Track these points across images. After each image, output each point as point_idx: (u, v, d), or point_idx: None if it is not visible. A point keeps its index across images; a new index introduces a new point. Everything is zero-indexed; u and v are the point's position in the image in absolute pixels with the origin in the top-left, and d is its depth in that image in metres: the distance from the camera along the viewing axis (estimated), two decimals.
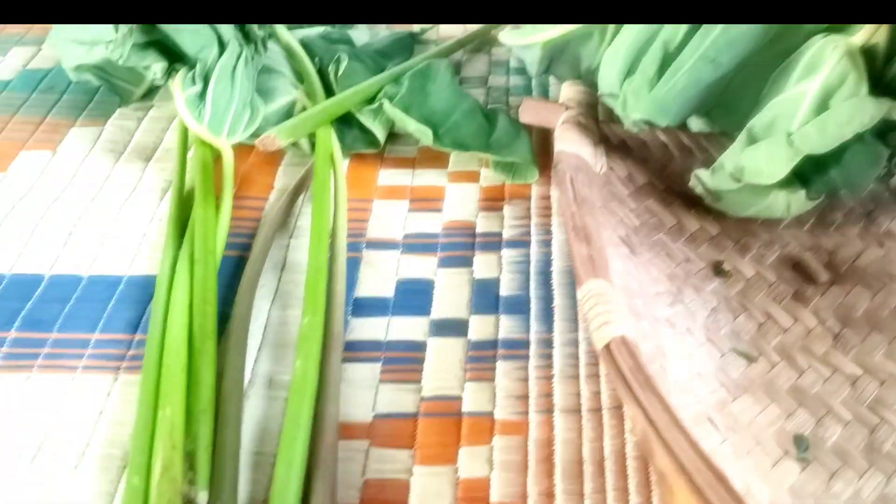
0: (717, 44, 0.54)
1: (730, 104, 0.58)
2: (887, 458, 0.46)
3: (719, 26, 0.54)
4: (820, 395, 0.50)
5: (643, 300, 0.50)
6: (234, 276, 0.56)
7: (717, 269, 0.57)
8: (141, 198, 0.63)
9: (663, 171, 0.64)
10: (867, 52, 0.52)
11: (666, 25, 0.56)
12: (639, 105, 0.57)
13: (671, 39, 0.56)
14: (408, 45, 0.77)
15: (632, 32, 0.58)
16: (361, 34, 0.79)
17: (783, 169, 0.51)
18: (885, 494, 0.45)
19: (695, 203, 0.61)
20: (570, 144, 0.59)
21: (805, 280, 0.57)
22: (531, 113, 0.65)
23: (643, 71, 0.57)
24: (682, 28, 0.55)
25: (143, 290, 0.55)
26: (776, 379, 0.50)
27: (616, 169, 0.62)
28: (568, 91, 0.66)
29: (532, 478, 0.45)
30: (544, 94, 0.74)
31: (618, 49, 0.58)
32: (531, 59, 0.66)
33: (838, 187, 0.55)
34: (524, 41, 0.65)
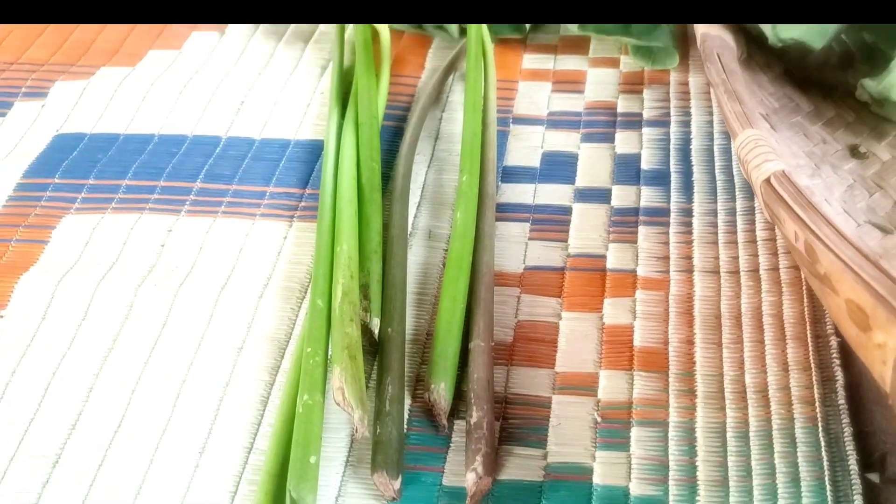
0: None
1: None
2: None
3: None
4: None
5: (785, 167, 0.52)
6: (392, 143, 0.59)
7: (854, 151, 0.57)
8: (303, 73, 0.66)
9: (801, 62, 0.64)
10: None
11: None
12: (789, 27, 0.56)
13: None
14: None
15: None
16: None
17: None
18: None
19: (831, 92, 0.61)
20: (714, 28, 0.59)
21: None
22: None
23: None
24: None
25: (311, 152, 0.59)
26: None
27: (755, 56, 0.63)
28: None
29: (672, 327, 0.47)
30: None
31: None
32: None
33: None
34: None
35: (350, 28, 0.67)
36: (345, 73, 0.64)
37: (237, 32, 0.71)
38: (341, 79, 0.62)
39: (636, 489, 0.40)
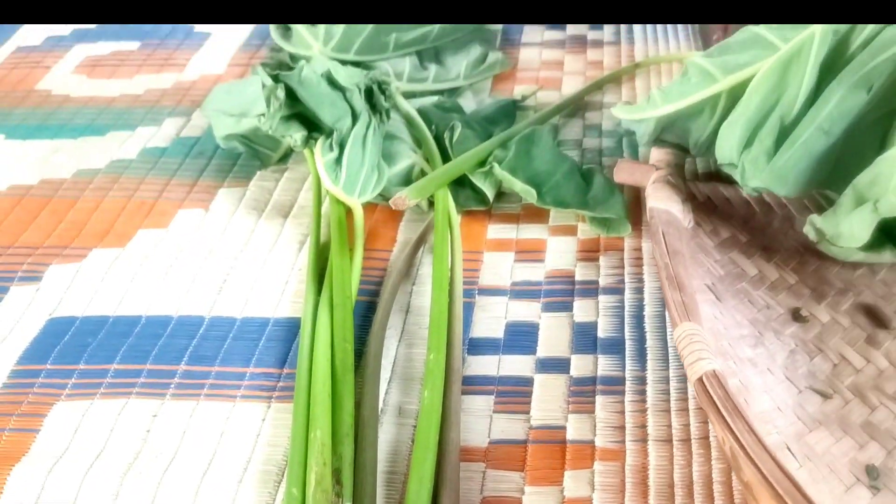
0: (831, 115, 0.58)
1: (845, 170, 0.59)
2: None
3: (835, 98, 0.57)
4: (890, 429, 0.53)
5: (728, 342, 0.55)
6: (365, 318, 0.62)
7: (796, 315, 0.61)
8: (282, 249, 0.70)
9: (746, 225, 0.68)
10: None
11: (782, 100, 0.60)
12: (757, 175, 0.60)
13: (787, 113, 0.59)
14: (511, 112, 0.84)
15: (749, 107, 0.61)
16: (469, 102, 0.86)
17: (865, 233, 0.54)
18: None
19: (774, 254, 0.65)
20: (661, 202, 0.64)
21: (877, 325, 0.60)
22: (625, 173, 0.70)
23: (760, 142, 0.60)
24: (799, 102, 0.59)
25: (289, 330, 0.62)
26: (849, 414, 0.54)
27: (702, 224, 0.67)
28: (657, 153, 0.71)
29: (629, 498, 0.50)
30: (633, 154, 0.79)
31: (735, 122, 0.62)
32: (642, 132, 0.70)
33: None
34: (637, 116, 0.70)
35: (326, 202, 0.71)
36: (321, 249, 0.68)
37: (221, 209, 0.75)
38: (317, 255, 0.66)
39: None
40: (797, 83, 0.60)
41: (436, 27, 0.94)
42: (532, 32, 1.03)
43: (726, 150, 0.63)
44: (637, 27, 1.02)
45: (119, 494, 0.50)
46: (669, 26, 1.01)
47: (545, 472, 0.52)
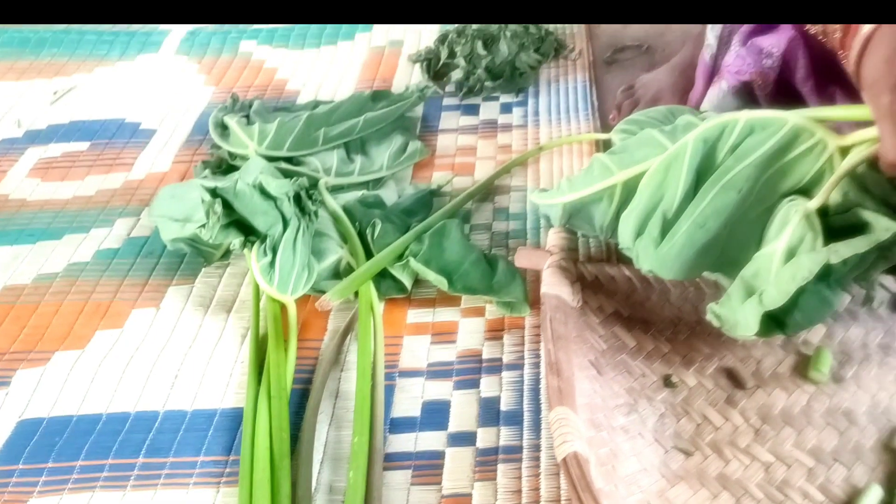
0: (705, 212, 0.65)
1: (732, 259, 0.67)
2: None
3: (708, 197, 0.65)
4: (740, 479, 0.63)
5: (604, 413, 0.65)
6: (300, 404, 0.71)
7: (667, 381, 0.71)
8: (226, 343, 0.79)
9: (628, 300, 0.79)
10: (821, 211, 0.62)
11: (665, 196, 0.67)
12: (647, 260, 0.69)
13: (669, 209, 0.67)
14: (428, 202, 0.94)
15: (640, 201, 0.69)
16: (391, 192, 0.96)
17: (755, 323, 0.62)
18: None
19: (651, 326, 0.76)
20: (552, 287, 0.74)
21: (736, 386, 0.71)
22: (524, 258, 0.81)
23: (649, 233, 0.68)
24: (677, 199, 0.67)
25: (234, 419, 0.71)
26: (707, 468, 0.64)
27: (589, 302, 0.77)
28: (552, 238, 0.81)
29: None
30: (535, 235, 0.90)
31: (630, 213, 0.70)
32: (555, 215, 0.78)
33: (802, 325, 0.64)
34: (548, 202, 0.78)
35: (264, 298, 0.80)
36: (260, 342, 0.77)
37: (171, 306, 0.84)
38: (257, 349, 0.76)
39: None
40: (676, 183, 0.68)
41: (361, 120, 1.04)
42: (449, 119, 1.13)
43: (625, 237, 0.71)
44: (542, 111, 1.13)
45: None
46: (571, 110, 1.12)
47: None
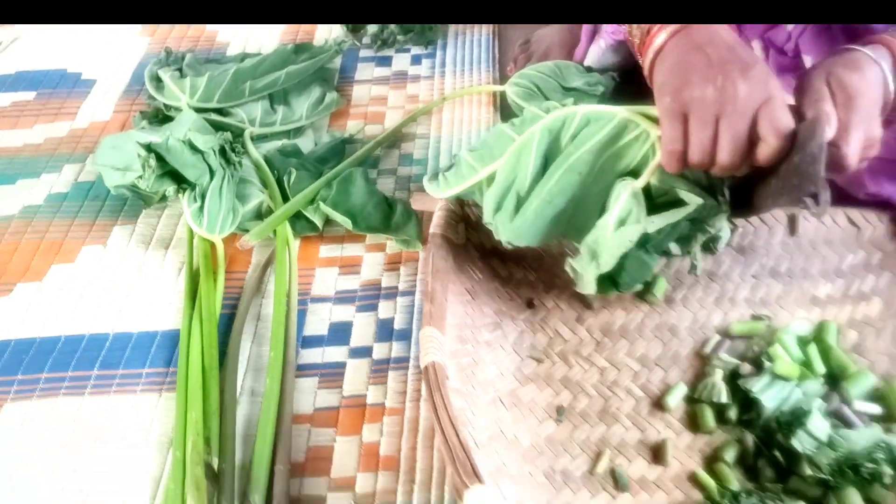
0: (552, 191, 0.75)
1: (580, 227, 0.78)
2: (612, 417, 0.77)
3: (554, 178, 0.76)
4: (579, 381, 0.80)
5: (472, 330, 0.81)
6: (228, 325, 0.86)
7: (529, 304, 0.87)
8: (166, 275, 0.93)
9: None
10: (647, 190, 0.74)
11: (518, 178, 0.78)
12: (504, 232, 0.80)
13: (521, 188, 0.78)
14: (341, 149, 1.08)
15: (498, 183, 0.79)
16: (308, 140, 1.09)
17: (593, 283, 0.77)
18: (606, 437, 0.75)
19: (522, 259, 0.91)
20: (438, 227, 0.88)
21: (585, 307, 0.87)
22: (419, 202, 0.96)
23: (505, 209, 0.79)
24: (528, 180, 0.77)
25: (172, 339, 0.86)
26: (554, 373, 0.80)
27: (472, 239, 0.92)
28: None
29: (405, 440, 0.76)
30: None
31: (490, 194, 0.81)
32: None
33: (630, 285, 0.78)
34: (437, 194, 0.86)
35: (197, 237, 0.94)
36: (194, 274, 0.91)
37: (117, 244, 0.97)
38: (191, 280, 0.90)
39: None
40: (526, 167, 0.78)
41: (283, 73, 1.17)
42: (364, 70, 1.26)
43: (486, 213, 0.82)
44: (448, 63, 1.26)
45: (58, 466, 0.74)
46: (475, 62, 1.26)
47: (351, 426, 0.77)
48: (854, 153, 0.66)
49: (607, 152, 0.76)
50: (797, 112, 0.69)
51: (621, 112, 0.75)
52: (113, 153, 1.01)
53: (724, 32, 0.71)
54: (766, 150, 0.66)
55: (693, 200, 0.74)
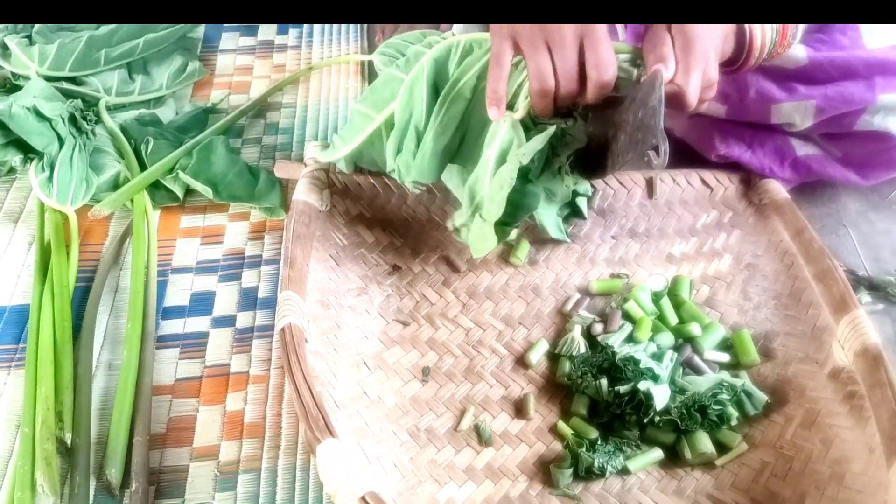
0: (443, 120, 0.78)
1: (468, 157, 0.80)
2: (477, 375, 0.79)
3: (444, 107, 0.77)
4: (445, 342, 0.81)
5: (335, 296, 0.81)
6: (83, 299, 0.83)
7: (395, 269, 0.88)
8: (14, 250, 0.89)
9: (371, 204, 0.94)
10: (527, 121, 0.76)
11: (413, 114, 0.78)
12: (409, 172, 0.81)
13: (419, 122, 0.79)
14: (202, 119, 1.05)
15: (397, 125, 0.80)
16: (169, 110, 1.07)
17: (492, 237, 0.76)
18: (470, 395, 0.77)
19: (389, 225, 0.92)
20: (301, 194, 0.88)
21: (453, 270, 0.89)
22: (283, 170, 0.95)
23: (406, 147, 0.80)
24: (423, 114, 0.78)
25: (21, 314, 0.82)
26: (420, 335, 0.81)
27: (337, 206, 0.92)
28: (310, 151, 0.95)
29: (269, 407, 0.75)
30: (300, 147, 1.03)
31: (390, 138, 0.81)
32: (340, 166, 0.89)
33: (523, 216, 0.81)
34: (329, 158, 0.88)
35: (48, 211, 0.91)
36: (45, 248, 0.87)
37: None
38: (42, 254, 0.86)
39: None
40: (420, 99, 0.79)
41: (141, 41, 1.13)
42: (228, 40, 1.24)
43: (388, 160, 0.82)
44: (316, 32, 1.25)
45: None
46: (343, 32, 1.25)
47: (213, 395, 0.76)
48: (693, 92, 0.70)
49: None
50: (641, 57, 0.72)
51: None
52: None
53: None
54: (592, 86, 0.70)
55: (554, 121, 0.76)
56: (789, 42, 0.79)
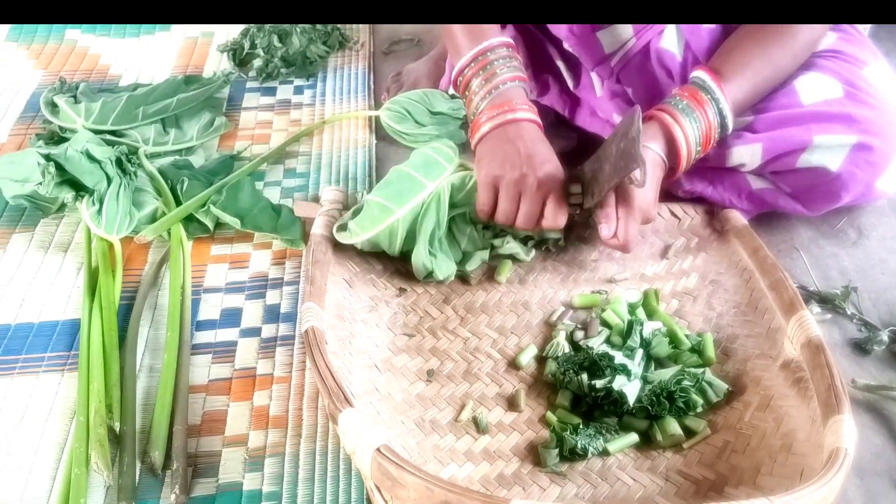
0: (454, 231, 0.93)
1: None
2: (474, 376, 0.86)
3: (456, 221, 0.92)
4: (446, 349, 0.89)
5: (350, 311, 0.89)
6: (127, 315, 0.92)
7: (401, 291, 0.96)
8: (65, 274, 0.98)
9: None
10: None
11: (439, 222, 0.93)
12: (442, 271, 0.94)
13: (440, 229, 0.95)
14: (229, 164, 1.15)
15: (423, 230, 0.93)
16: (199, 157, 1.17)
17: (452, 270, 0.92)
18: (469, 392, 0.85)
19: (394, 257, 1.00)
20: (319, 228, 0.96)
21: (451, 291, 0.97)
22: (301, 209, 1.04)
23: (436, 249, 0.95)
24: (444, 223, 0.94)
25: (72, 327, 0.91)
26: (423, 344, 0.89)
27: None
28: (327, 192, 1.04)
29: (291, 402, 0.83)
30: (316, 188, 1.13)
31: (419, 243, 0.93)
32: (360, 245, 0.95)
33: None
34: (347, 242, 0.94)
35: (95, 240, 1.00)
36: (93, 272, 0.96)
37: (15, 250, 1.01)
38: (90, 276, 0.95)
39: (266, 489, 0.74)
40: (443, 213, 0.94)
41: (175, 100, 1.24)
42: (250, 99, 1.34)
43: (423, 261, 0.93)
44: (328, 92, 1.36)
45: None
46: (352, 92, 1.36)
47: (242, 393, 0.84)
48: (632, 241, 0.88)
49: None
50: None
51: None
52: (11, 167, 1.05)
53: (532, 130, 0.91)
54: (546, 225, 0.90)
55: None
56: (713, 145, 0.93)
